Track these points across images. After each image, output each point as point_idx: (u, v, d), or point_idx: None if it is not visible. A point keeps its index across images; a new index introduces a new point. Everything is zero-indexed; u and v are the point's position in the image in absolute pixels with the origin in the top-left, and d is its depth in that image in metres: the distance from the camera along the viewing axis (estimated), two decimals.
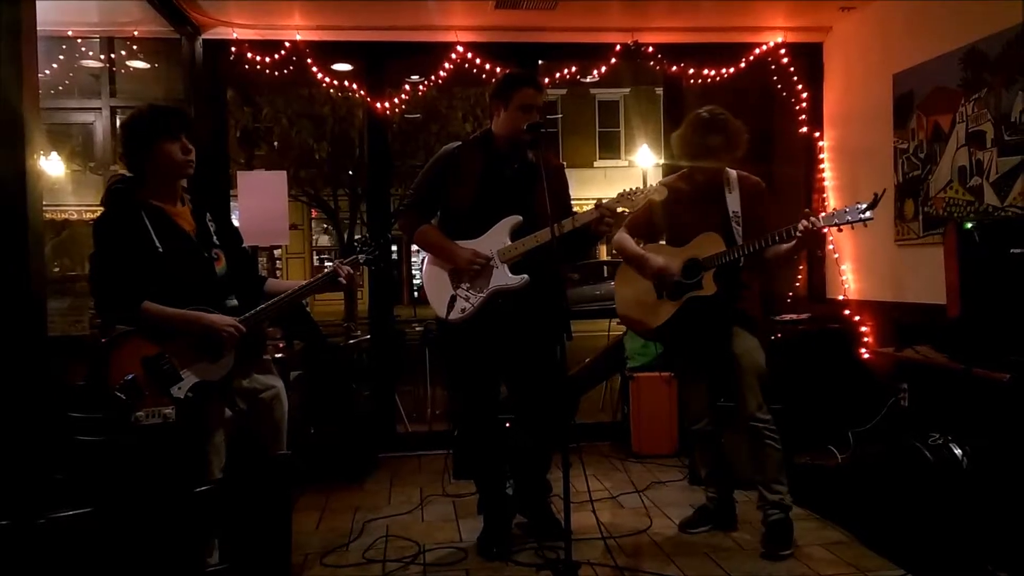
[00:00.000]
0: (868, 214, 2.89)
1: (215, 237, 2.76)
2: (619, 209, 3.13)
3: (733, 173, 3.34)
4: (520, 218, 3.18)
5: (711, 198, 3.30)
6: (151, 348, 2.52)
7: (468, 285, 3.20)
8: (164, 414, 2.48)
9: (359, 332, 5.19)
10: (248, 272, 2.91)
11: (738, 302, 3.29)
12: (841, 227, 2.98)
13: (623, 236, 3.47)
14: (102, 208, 2.66)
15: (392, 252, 3.02)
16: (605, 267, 19.63)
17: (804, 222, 2.97)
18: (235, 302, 2.73)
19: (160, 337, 2.54)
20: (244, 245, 2.97)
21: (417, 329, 6.36)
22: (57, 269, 5.98)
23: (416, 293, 22.09)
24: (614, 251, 3.46)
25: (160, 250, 2.57)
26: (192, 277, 2.64)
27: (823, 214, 3.01)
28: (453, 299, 3.18)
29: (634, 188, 3.17)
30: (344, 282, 2.91)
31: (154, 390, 2.49)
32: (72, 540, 1.85)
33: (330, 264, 2.97)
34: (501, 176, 3.23)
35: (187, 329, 2.57)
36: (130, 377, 2.46)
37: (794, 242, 3.05)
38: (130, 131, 2.68)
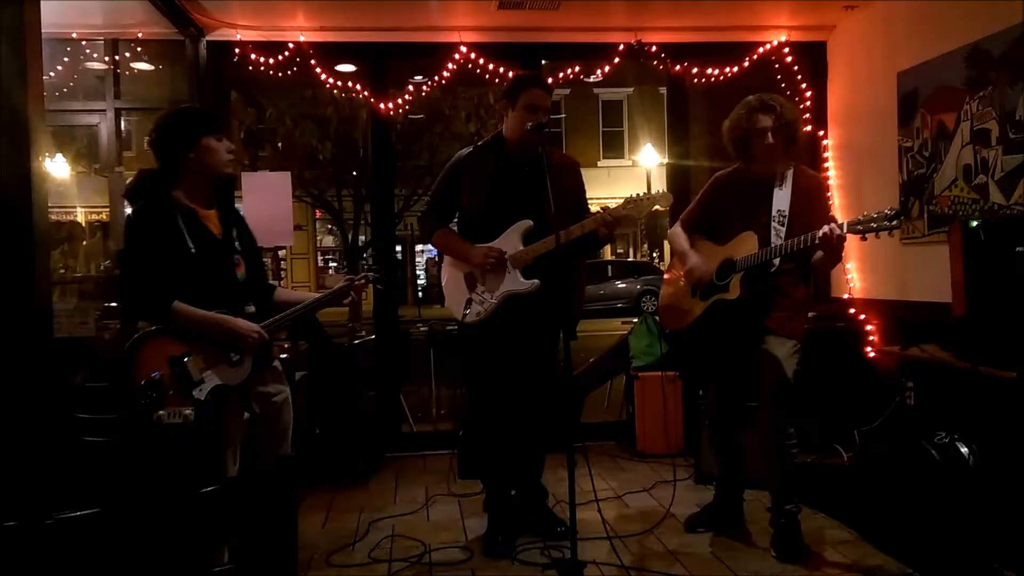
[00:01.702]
0: (895, 222, 2.74)
1: (237, 243, 2.78)
2: (624, 214, 3.13)
3: (791, 167, 3.18)
4: (531, 223, 3.19)
5: (760, 195, 3.17)
6: (178, 348, 2.54)
7: (483, 288, 3.24)
8: (184, 414, 2.49)
9: (364, 332, 5.19)
10: (261, 279, 2.92)
11: (771, 310, 3.15)
12: (865, 236, 2.82)
13: (677, 230, 3.41)
14: (129, 202, 2.66)
15: (396, 252, 3.04)
16: (610, 267, 19.66)
17: (825, 228, 2.85)
18: (253, 308, 2.75)
19: (186, 338, 2.56)
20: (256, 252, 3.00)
21: (422, 329, 6.37)
22: (63, 270, 5.99)
23: (420, 293, 22.12)
24: (668, 244, 3.43)
25: (193, 251, 2.58)
26: (218, 281, 2.65)
27: (847, 220, 2.87)
28: (469, 302, 3.24)
29: (640, 194, 3.15)
30: (355, 298, 2.94)
31: (177, 390, 2.51)
32: (80, 541, 1.85)
33: (348, 277, 2.99)
34: (512, 179, 3.25)
35: (214, 332, 2.58)
36: (157, 375, 2.48)
37: (821, 250, 2.96)
38: (173, 125, 2.66)
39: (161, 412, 2.46)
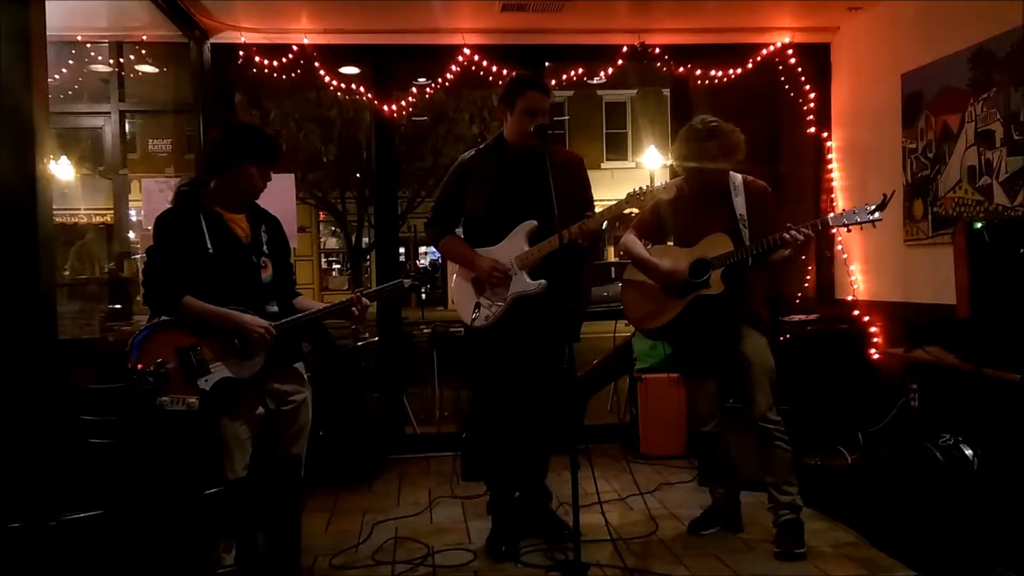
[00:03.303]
0: (877, 215, 2.94)
1: (265, 246, 2.89)
2: (627, 210, 3.16)
3: (739, 177, 3.36)
4: (535, 223, 3.20)
5: (718, 200, 3.32)
6: (187, 339, 2.65)
7: (490, 292, 3.24)
8: (188, 403, 2.59)
9: (367, 334, 5.20)
10: (286, 284, 3.00)
11: (745, 301, 3.30)
12: (850, 228, 3.03)
13: (630, 238, 3.47)
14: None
15: (400, 255, 3.06)
16: (612, 268, 19.63)
17: (787, 234, 3.04)
18: (275, 308, 2.85)
19: (197, 331, 2.67)
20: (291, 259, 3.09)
21: (425, 331, 6.37)
22: (68, 272, 6.01)
23: (424, 295, 22.10)
24: (621, 252, 3.48)
25: (210, 251, 2.71)
26: (237, 280, 2.77)
27: (832, 215, 3.05)
28: (477, 306, 3.25)
29: (642, 188, 3.18)
30: (356, 313, 2.92)
31: (182, 379, 2.61)
32: (84, 542, 1.86)
33: (359, 290, 3.06)
34: (515, 180, 3.25)
35: (221, 326, 2.68)
36: (161, 362, 2.58)
37: (788, 248, 3.11)
38: (228, 140, 2.84)
39: (164, 398, 2.56)
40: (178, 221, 2.74)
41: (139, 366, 2.58)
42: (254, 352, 2.72)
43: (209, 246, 2.71)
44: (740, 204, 3.30)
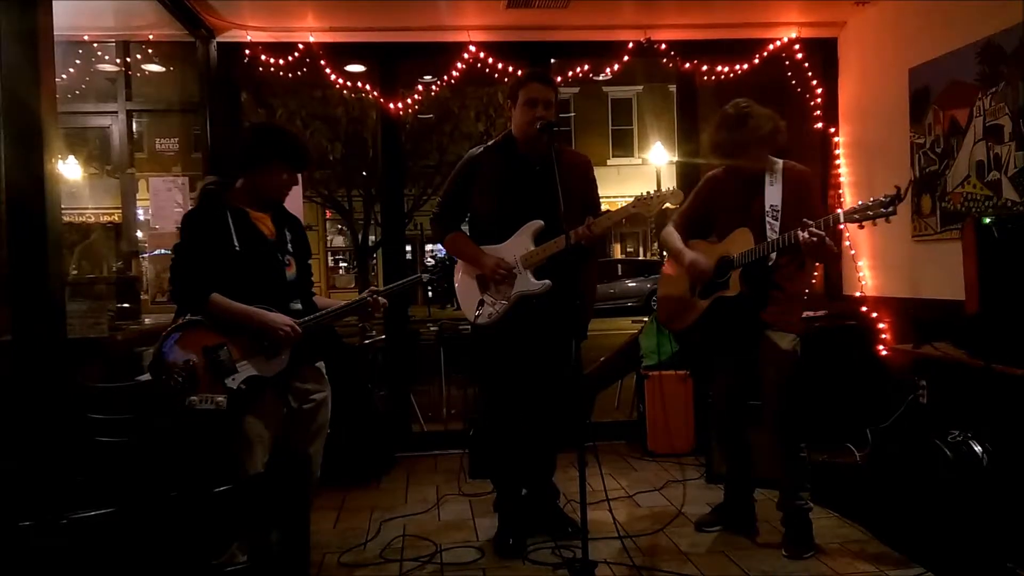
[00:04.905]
0: (891, 208, 2.73)
1: (290, 244, 2.91)
2: (631, 213, 3.14)
3: (779, 163, 3.21)
4: (541, 223, 3.19)
5: (752, 191, 3.19)
6: (214, 338, 2.65)
7: (495, 289, 3.24)
8: (216, 401, 2.60)
9: (374, 332, 5.21)
10: (307, 283, 3.02)
11: (768, 304, 3.17)
12: (863, 224, 2.84)
13: (669, 230, 3.41)
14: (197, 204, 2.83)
15: (406, 253, 3.08)
16: (620, 266, 19.63)
17: (803, 234, 2.85)
18: (299, 306, 2.87)
19: (223, 329, 2.68)
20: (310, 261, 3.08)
21: (432, 329, 6.38)
22: (76, 271, 6.03)
23: (430, 293, 22.13)
24: (659, 246, 3.45)
25: (237, 249, 2.72)
26: (264, 277, 2.78)
27: (842, 210, 2.89)
28: (481, 303, 3.26)
29: (649, 192, 3.15)
30: (374, 311, 3.00)
31: (210, 378, 2.62)
32: (94, 540, 1.87)
33: (372, 289, 3.06)
34: (522, 179, 3.24)
35: (247, 324, 2.69)
36: (190, 362, 2.60)
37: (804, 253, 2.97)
38: (261, 139, 2.84)
39: (193, 398, 2.57)
40: (205, 219, 2.75)
41: (170, 365, 2.59)
42: (279, 350, 2.73)
43: (236, 244, 2.71)
44: (774, 194, 3.13)
